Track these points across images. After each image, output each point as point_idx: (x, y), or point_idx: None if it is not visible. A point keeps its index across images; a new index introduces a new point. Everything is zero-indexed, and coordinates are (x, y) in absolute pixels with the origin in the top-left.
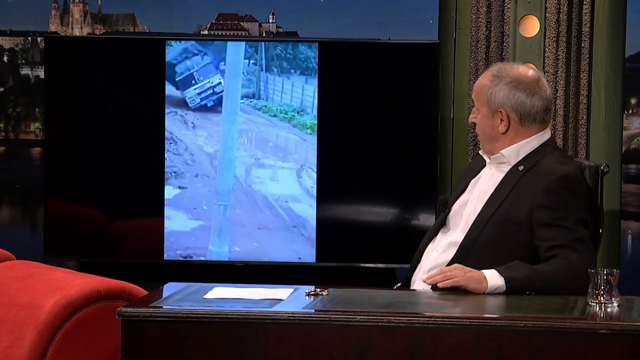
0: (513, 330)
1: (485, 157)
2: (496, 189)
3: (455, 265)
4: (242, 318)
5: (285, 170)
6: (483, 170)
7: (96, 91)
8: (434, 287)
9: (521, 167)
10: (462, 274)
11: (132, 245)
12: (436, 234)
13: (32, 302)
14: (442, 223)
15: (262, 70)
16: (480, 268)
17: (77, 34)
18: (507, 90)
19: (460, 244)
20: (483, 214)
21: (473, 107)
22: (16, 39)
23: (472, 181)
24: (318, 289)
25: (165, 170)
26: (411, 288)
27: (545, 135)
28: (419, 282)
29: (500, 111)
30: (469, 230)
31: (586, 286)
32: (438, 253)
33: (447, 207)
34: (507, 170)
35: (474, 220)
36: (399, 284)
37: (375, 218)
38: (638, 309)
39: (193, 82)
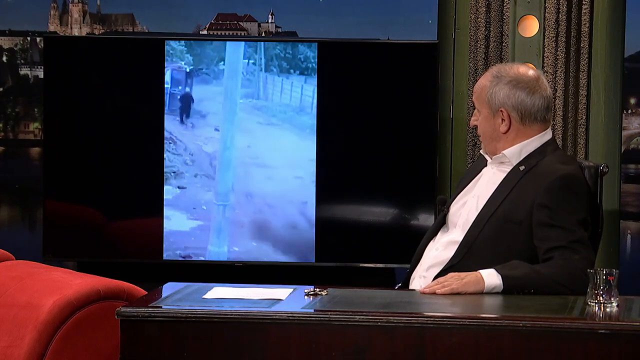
0: (512, 330)
1: (487, 156)
2: (497, 188)
3: (451, 274)
4: (241, 318)
5: (285, 170)
6: (484, 170)
7: (95, 91)
8: None
9: (522, 167)
10: (459, 281)
11: (131, 245)
12: (436, 233)
13: (31, 302)
14: (441, 222)
15: (261, 70)
16: (479, 266)
17: (76, 34)
18: (507, 89)
19: (461, 242)
20: (483, 213)
21: (472, 107)
22: (15, 39)
23: (473, 181)
24: (317, 289)
25: (165, 170)
26: (410, 286)
27: (547, 135)
28: (418, 279)
29: (501, 110)
30: (469, 229)
31: (585, 286)
32: (438, 251)
33: (446, 206)
34: (508, 170)
35: (474, 219)
36: (399, 285)
37: (374, 218)
38: (637, 309)
39: (192, 82)
